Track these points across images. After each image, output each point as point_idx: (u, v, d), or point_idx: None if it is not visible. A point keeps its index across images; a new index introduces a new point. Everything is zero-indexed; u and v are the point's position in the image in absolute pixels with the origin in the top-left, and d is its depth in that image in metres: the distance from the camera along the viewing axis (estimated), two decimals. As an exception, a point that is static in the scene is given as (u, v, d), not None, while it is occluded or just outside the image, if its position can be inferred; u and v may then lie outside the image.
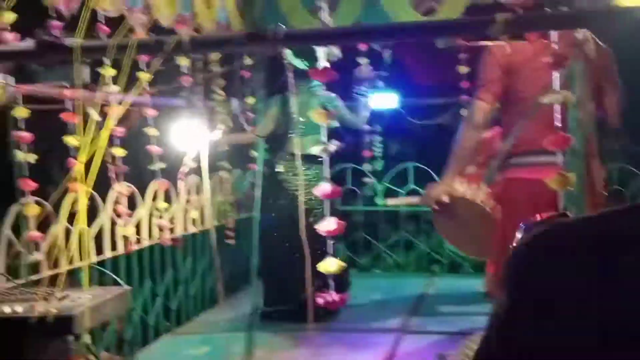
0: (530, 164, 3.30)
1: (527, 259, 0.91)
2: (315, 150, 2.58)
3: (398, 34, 2.77)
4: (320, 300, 2.52)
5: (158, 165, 4.53)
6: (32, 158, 3.63)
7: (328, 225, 2.42)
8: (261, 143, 5.12)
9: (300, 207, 3.45)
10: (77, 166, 2.75)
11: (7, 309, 2.40)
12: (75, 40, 2.59)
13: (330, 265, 2.41)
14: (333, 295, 2.47)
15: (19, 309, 2.40)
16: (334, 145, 2.51)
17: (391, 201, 6.41)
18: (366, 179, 6.38)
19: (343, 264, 2.44)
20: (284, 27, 2.50)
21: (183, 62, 4.54)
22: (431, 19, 4.05)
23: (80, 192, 2.99)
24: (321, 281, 2.60)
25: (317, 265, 2.52)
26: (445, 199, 3.61)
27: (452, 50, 6.10)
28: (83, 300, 2.46)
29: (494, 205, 3.55)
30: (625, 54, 3.26)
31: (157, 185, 4.64)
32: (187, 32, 3.01)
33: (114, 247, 4.35)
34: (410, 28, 2.80)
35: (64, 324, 2.35)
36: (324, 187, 2.44)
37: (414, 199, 5.04)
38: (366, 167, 6.25)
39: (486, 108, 3.43)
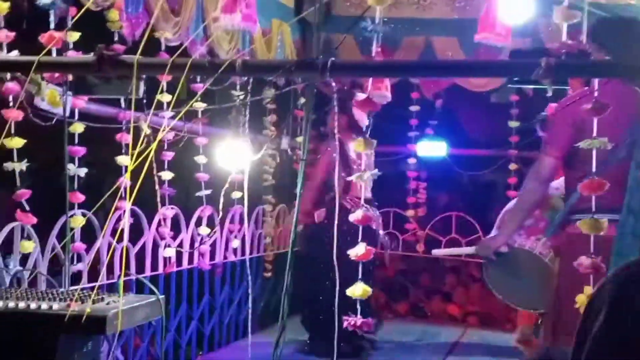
0: None
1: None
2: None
3: (444, 71, 2.83)
4: (344, 324, 2.56)
5: (204, 192, 4.65)
6: (83, 172, 3.77)
7: (358, 249, 2.47)
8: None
9: None
10: (125, 184, 2.87)
11: (44, 305, 2.49)
12: (134, 56, 2.71)
13: (356, 290, 2.45)
14: (357, 320, 2.51)
15: (55, 306, 2.49)
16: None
17: (437, 252, 6.39)
18: (408, 225, 6.40)
19: (369, 289, 2.48)
20: (333, 58, 2.58)
21: (236, 94, 4.68)
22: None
23: (126, 210, 3.10)
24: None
25: (347, 291, 2.56)
26: (504, 249, 3.65)
27: (504, 104, 6.16)
28: (117, 304, 2.53)
29: (552, 258, 3.56)
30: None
31: (201, 211, 4.74)
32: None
33: (154, 267, 4.45)
34: (457, 66, 2.86)
35: (96, 323, 2.43)
36: (357, 214, 2.49)
37: (464, 250, 5.02)
38: (409, 213, 6.28)
39: (553, 163, 3.44)
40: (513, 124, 6.04)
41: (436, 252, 5.39)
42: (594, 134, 2.60)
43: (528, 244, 3.65)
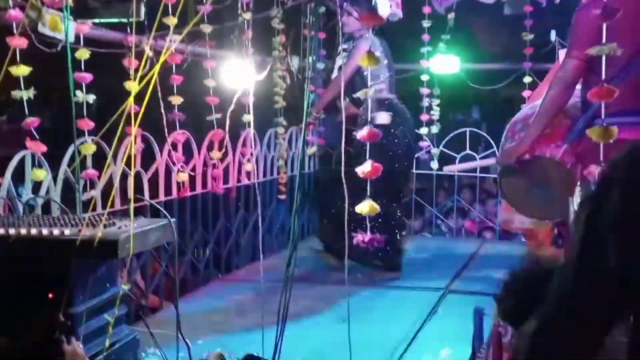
0: (620, 123, 3.18)
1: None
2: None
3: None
4: (355, 240, 2.57)
5: (215, 116, 4.63)
6: (91, 98, 3.75)
7: (365, 167, 2.45)
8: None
9: None
10: (133, 109, 2.84)
11: (56, 231, 2.51)
12: (133, -23, 2.65)
13: (364, 207, 2.45)
14: (367, 235, 2.52)
15: (67, 231, 2.51)
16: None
17: (448, 168, 6.37)
18: (422, 143, 6.36)
19: (377, 206, 2.47)
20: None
21: (245, 16, 4.60)
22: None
23: (135, 135, 3.08)
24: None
25: (355, 209, 2.56)
26: (527, 156, 3.59)
27: (517, 16, 6.03)
28: (128, 228, 2.55)
29: (574, 164, 3.50)
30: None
31: (212, 135, 4.73)
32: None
33: (167, 192, 4.47)
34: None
35: (108, 247, 2.45)
36: (365, 166, 2.46)
37: (477, 163, 4.96)
38: (423, 130, 6.23)
39: (577, 65, 3.36)
40: (527, 35, 5.91)
41: (448, 168, 5.36)
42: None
43: (548, 151, 3.58)
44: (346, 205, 2.44)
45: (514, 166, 3.66)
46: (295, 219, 2.70)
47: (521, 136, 3.67)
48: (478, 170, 6.51)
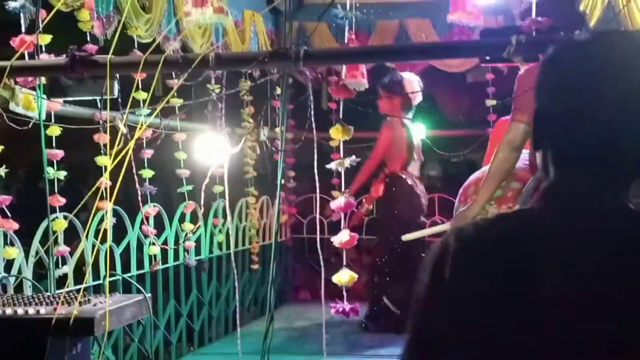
0: None
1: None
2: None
3: (417, 54, 2.84)
4: (332, 311, 2.58)
5: (186, 188, 4.65)
6: (62, 175, 3.76)
7: (341, 236, 2.48)
8: None
9: None
10: (104, 184, 2.86)
11: (31, 310, 2.48)
12: (106, 56, 2.70)
13: (342, 276, 2.47)
14: (345, 305, 2.53)
15: (42, 310, 2.49)
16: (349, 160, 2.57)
17: (407, 236, 6.38)
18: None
19: (355, 275, 2.49)
20: (305, 47, 2.59)
21: (212, 88, 4.68)
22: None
23: (107, 210, 3.10)
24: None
25: (332, 279, 2.58)
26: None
27: (480, 83, 6.19)
28: (104, 305, 2.53)
29: None
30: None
31: (184, 207, 4.74)
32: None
33: (140, 266, 4.44)
34: (429, 48, 2.88)
35: (84, 325, 2.43)
36: (339, 201, 2.51)
37: (435, 229, 5.03)
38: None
39: (523, 129, 3.44)
40: (490, 102, 6.06)
41: (406, 237, 5.39)
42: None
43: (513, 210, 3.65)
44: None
45: None
46: (272, 289, 2.70)
47: (473, 199, 3.73)
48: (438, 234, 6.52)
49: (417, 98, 5.63)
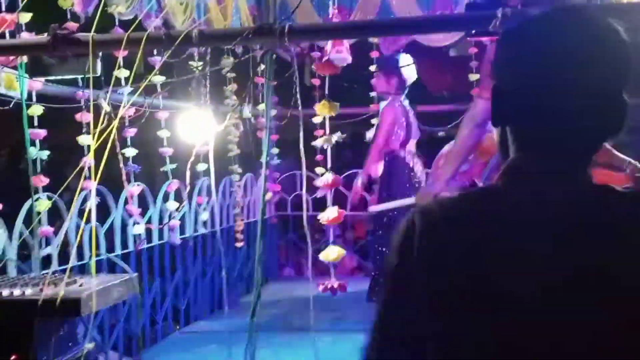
0: None
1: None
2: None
3: (403, 29, 2.83)
4: (320, 288, 2.58)
5: (169, 167, 4.62)
6: (45, 155, 3.72)
7: (329, 213, 2.47)
8: None
9: None
10: (88, 164, 2.83)
11: (17, 292, 2.46)
12: (89, 34, 2.66)
13: (330, 253, 2.46)
14: (333, 282, 2.53)
15: (29, 291, 2.47)
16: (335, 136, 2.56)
17: (374, 208, 6.37)
18: (375, 186, 6.41)
19: (343, 251, 2.49)
20: (290, 22, 2.56)
21: (195, 65, 4.63)
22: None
23: (92, 190, 3.07)
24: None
25: (319, 255, 2.57)
26: (446, 194, 3.64)
27: (463, 57, 6.17)
28: (90, 285, 2.52)
29: None
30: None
31: (168, 186, 4.71)
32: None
33: (124, 245, 4.42)
34: (413, 23, 2.86)
35: (71, 306, 2.42)
36: (326, 178, 2.50)
37: (402, 202, 5.06)
38: (374, 173, 6.26)
39: (486, 106, 3.43)
40: (473, 76, 6.04)
41: (373, 208, 5.43)
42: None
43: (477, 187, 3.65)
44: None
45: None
46: (259, 267, 2.70)
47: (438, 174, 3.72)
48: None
49: (412, 78, 5.72)
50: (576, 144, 1.15)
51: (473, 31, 2.87)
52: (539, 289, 1.08)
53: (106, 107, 2.65)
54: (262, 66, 5.60)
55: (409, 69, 5.64)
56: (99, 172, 2.64)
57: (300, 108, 2.75)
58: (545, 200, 1.13)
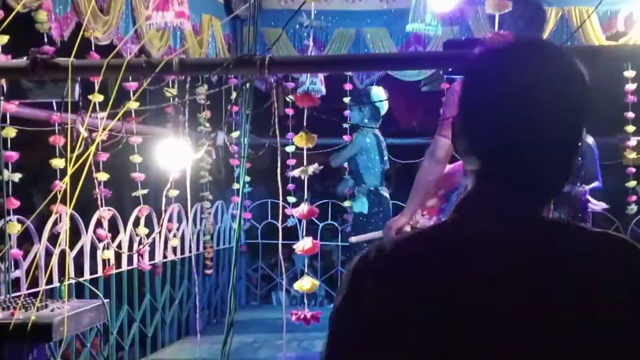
0: None
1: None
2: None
3: (378, 64, 2.88)
4: (293, 318, 2.59)
5: (141, 192, 4.61)
6: (16, 177, 3.69)
7: (304, 243, 2.50)
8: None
9: None
10: (61, 188, 2.82)
11: (-13, 315, 2.44)
12: (68, 59, 2.67)
13: (304, 284, 2.48)
14: (306, 312, 2.54)
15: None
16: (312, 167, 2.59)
17: (353, 239, 6.43)
18: (346, 216, 6.45)
19: (317, 282, 2.51)
20: (271, 54, 2.60)
21: (170, 92, 4.65)
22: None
23: (63, 214, 3.06)
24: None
25: (294, 285, 2.59)
26: (407, 229, 3.67)
27: (435, 92, 6.25)
28: (61, 310, 2.51)
29: None
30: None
31: (139, 211, 4.69)
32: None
33: (93, 270, 4.39)
34: (390, 59, 2.91)
35: (42, 331, 2.40)
36: (302, 208, 2.52)
37: (377, 234, 5.14)
38: (346, 203, 6.31)
39: (447, 144, 3.46)
40: (444, 111, 6.12)
41: (353, 239, 5.50)
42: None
43: (430, 224, 3.69)
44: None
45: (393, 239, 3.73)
46: (233, 293, 2.70)
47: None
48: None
49: (384, 109, 5.85)
50: (534, 181, 1.14)
51: (450, 69, 2.93)
52: (489, 324, 1.08)
53: (83, 133, 2.66)
54: (235, 94, 5.68)
55: (381, 102, 5.73)
56: (75, 196, 2.63)
57: (278, 137, 2.78)
58: (494, 237, 1.12)
